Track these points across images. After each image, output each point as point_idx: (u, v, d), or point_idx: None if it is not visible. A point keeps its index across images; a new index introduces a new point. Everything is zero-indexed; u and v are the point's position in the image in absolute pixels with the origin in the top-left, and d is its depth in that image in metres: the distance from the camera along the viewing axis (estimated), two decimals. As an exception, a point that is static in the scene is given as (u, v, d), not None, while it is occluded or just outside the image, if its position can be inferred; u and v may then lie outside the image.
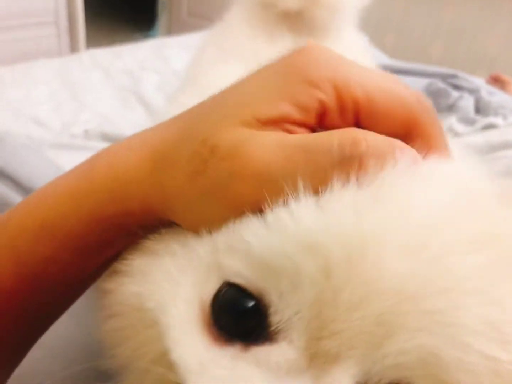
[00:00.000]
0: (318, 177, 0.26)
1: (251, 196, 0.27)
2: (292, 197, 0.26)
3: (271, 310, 0.26)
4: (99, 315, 0.33)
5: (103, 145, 0.94)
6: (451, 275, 0.26)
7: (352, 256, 0.25)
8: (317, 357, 0.26)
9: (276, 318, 0.26)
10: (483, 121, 1.01)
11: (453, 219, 0.27)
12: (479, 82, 1.24)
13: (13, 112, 1.08)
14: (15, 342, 0.36)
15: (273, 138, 0.27)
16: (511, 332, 0.26)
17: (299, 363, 0.26)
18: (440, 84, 1.18)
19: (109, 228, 0.32)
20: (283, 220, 0.26)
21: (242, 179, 0.27)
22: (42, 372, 0.51)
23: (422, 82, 1.21)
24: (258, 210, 0.27)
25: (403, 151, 0.27)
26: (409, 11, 2.20)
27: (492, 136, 0.91)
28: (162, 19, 3.23)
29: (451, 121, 1.03)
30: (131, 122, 1.00)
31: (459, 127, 1.01)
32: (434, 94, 1.15)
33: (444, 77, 1.23)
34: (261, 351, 0.26)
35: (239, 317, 0.27)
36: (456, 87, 1.18)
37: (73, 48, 2.04)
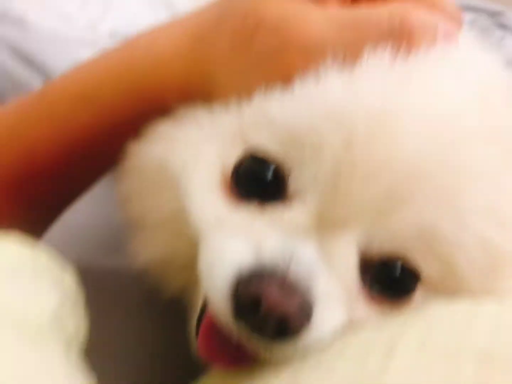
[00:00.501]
0: (366, 50, 0.27)
1: (298, 68, 0.27)
2: (327, 69, 0.27)
3: (291, 177, 0.28)
4: (119, 176, 0.35)
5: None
6: (462, 159, 0.27)
7: (374, 130, 0.26)
8: (327, 222, 0.27)
9: (294, 184, 0.28)
10: (523, 65, 0.96)
11: (475, 109, 0.28)
12: (527, 23, 1.16)
13: (39, 5, 1.05)
14: (51, 202, 0.39)
15: (322, 12, 0.28)
16: (509, 217, 0.27)
17: (309, 224, 0.27)
18: (485, 22, 1.11)
19: (145, 102, 0.34)
20: (311, 91, 0.27)
21: (291, 50, 0.28)
22: (60, 251, 0.54)
23: (467, 17, 1.14)
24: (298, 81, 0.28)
25: (446, 28, 0.28)
26: None
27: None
28: None
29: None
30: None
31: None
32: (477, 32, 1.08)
33: (490, 14, 1.16)
34: (276, 210, 0.28)
35: (259, 180, 0.29)
36: (502, 26, 1.11)
37: None
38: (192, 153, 0.31)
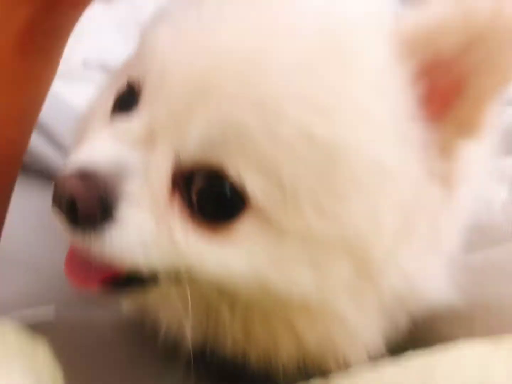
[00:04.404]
0: None
1: None
2: None
3: (142, 90, 0.30)
4: None
5: (102, 75, 0.90)
6: (269, 53, 0.26)
7: (176, 39, 0.28)
8: (153, 133, 0.28)
9: (142, 97, 0.30)
10: None
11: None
12: None
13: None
14: None
15: None
16: (327, 102, 0.26)
17: (141, 136, 0.29)
18: None
19: None
20: None
21: None
22: (34, 295, 0.50)
23: None
24: None
25: None
26: None
27: None
28: None
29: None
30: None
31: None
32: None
33: None
34: (120, 124, 0.30)
35: (128, 93, 0.31)
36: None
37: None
38: None
